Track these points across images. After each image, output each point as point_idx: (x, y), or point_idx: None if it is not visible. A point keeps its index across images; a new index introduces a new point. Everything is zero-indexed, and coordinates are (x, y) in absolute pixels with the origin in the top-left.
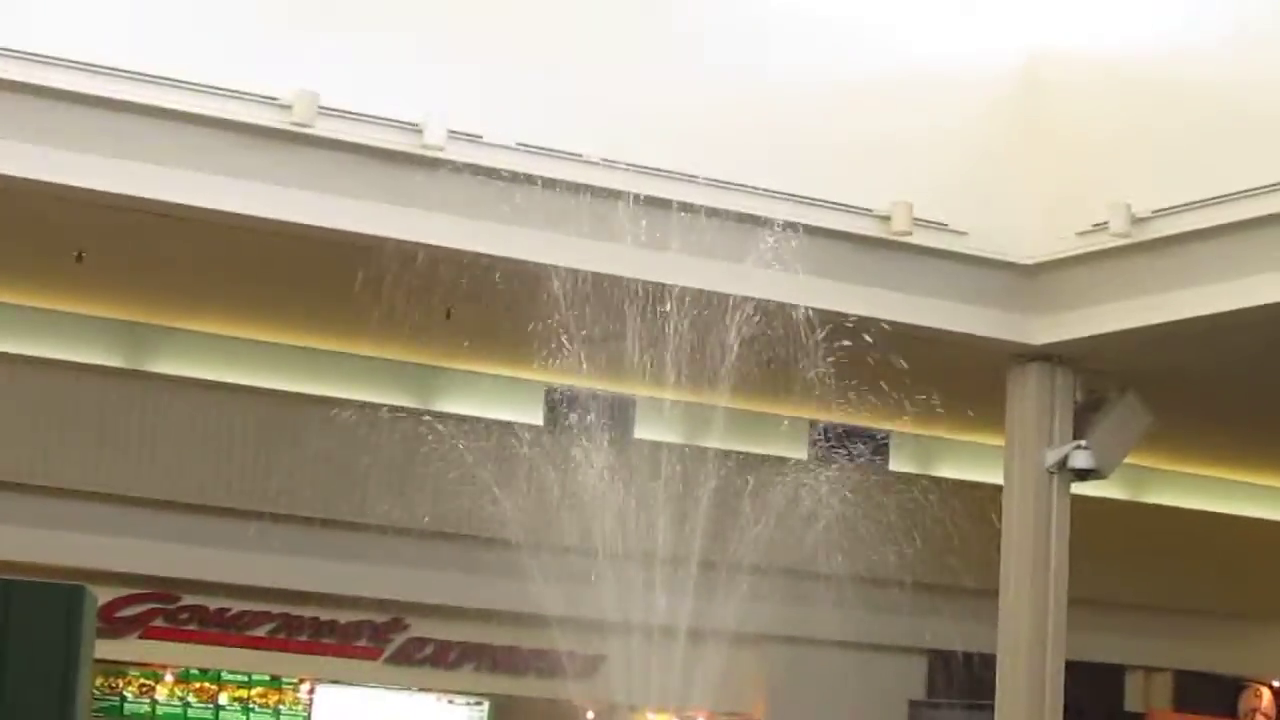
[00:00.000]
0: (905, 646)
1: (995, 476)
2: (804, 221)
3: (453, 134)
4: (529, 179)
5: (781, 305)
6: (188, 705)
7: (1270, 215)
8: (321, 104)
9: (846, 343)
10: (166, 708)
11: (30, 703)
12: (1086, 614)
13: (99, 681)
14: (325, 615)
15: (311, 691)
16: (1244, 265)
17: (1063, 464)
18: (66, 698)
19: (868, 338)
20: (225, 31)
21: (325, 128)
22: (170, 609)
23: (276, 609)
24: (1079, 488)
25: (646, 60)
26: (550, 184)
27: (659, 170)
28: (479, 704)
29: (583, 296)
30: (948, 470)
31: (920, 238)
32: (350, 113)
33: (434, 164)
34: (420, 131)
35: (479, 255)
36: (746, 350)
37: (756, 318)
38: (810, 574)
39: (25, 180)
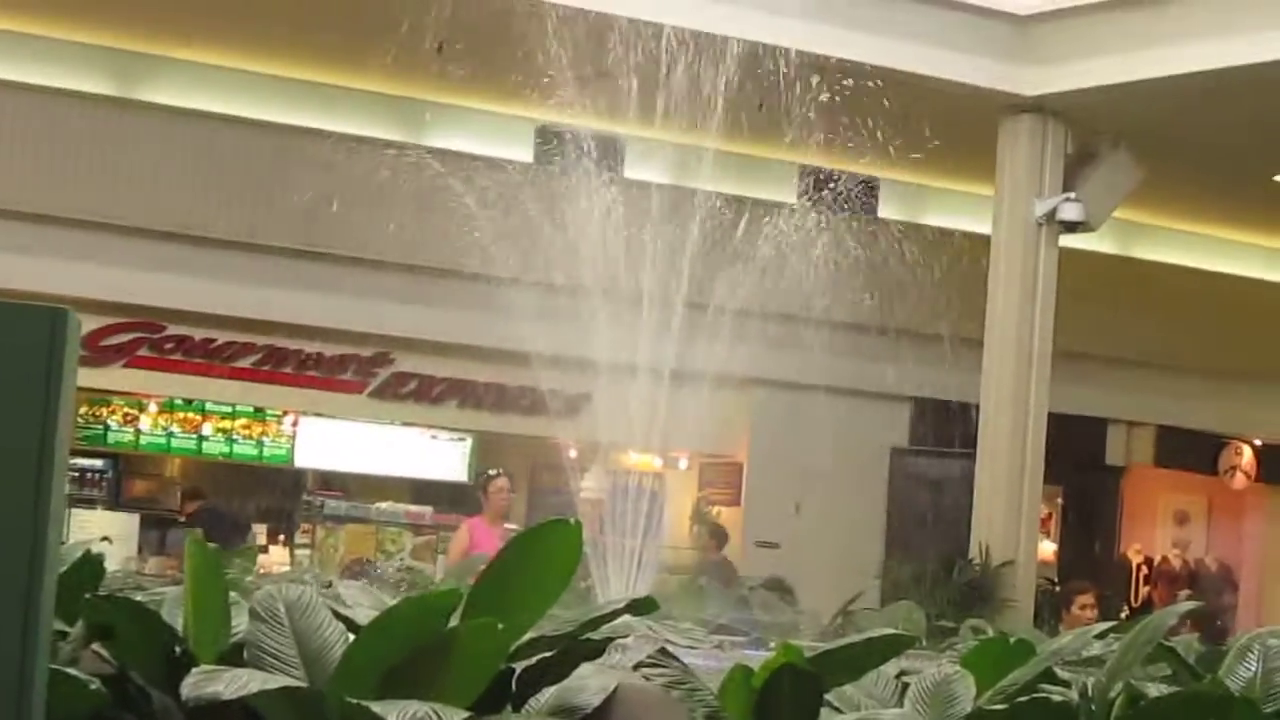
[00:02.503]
0: (889, 394)
1: (984, 226)
2: None
3: None
4: None
5: (773, 48)
6: (171, 435)
7: None
8: None
9: (838, 88)
10: (150, 437)
11: (10, 426)
12: (1070, 366)
13: (83, 410)
14: (310, 348)
15: (295, 424)
16: (1241, 21)
17: (1052, 215)
18: (48, 422)
19: (859, 83)
20: None
21: None
22: (155, 338)
23: (262, 340)
24: (1067, 240)
25: None
26: None
27: None
28: (462, 439)
29: (575, 34)
30: (936, 219)
31: None
32: None
33: None
34: None
35: None
36: (738, 93)
37: (748, 60)
38: (796, 319)
39: None
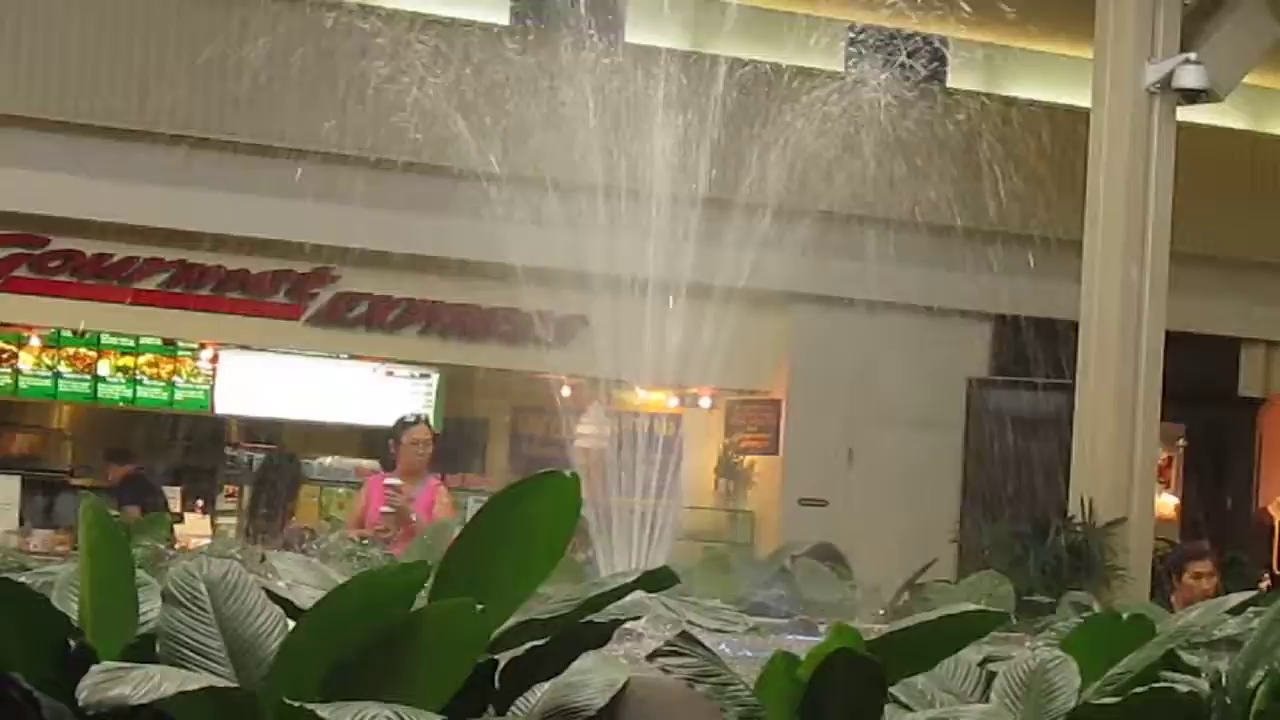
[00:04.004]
0: (965, 310)
1: (1082, 98)
2: None
3: None
4: None
5: None
6: (59, 376)
7: None
8: None
9: None
10: (32, 379)
11: None
12: (1194, 273)
13: None
14: (232, 264)
15: (214, 359)
16: None
17: (1167, 82)
18: None
19: None
20: None
21: None
22: (36, 255)
23: (171, 255)
24: (1186, 113)
25: None
26: None
27: None
28: (425, 376)
29: None
30: (1020, 89)
31: None
32: None
33: None
34: None
35: None
36: None
37: None
38: (846, 217)
39: None
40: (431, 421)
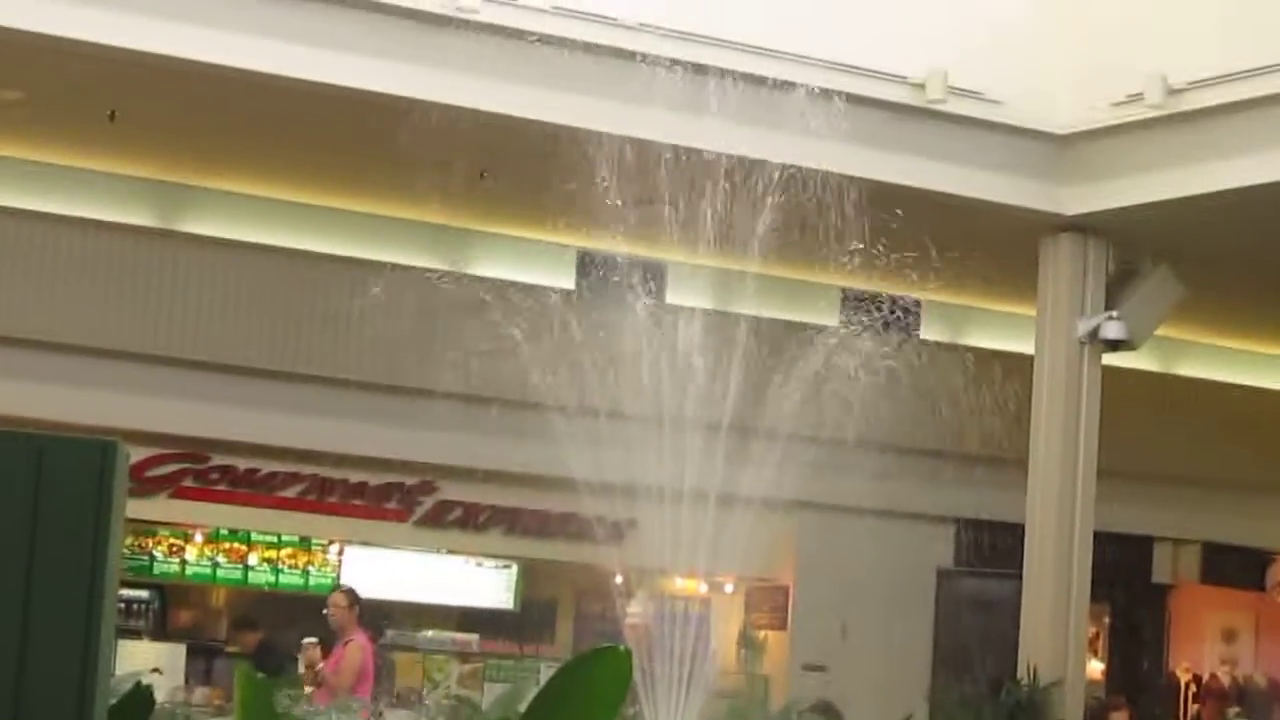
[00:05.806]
0: (934, 515)
1: (1027, 346)
2: (839, 89)
3: None
4: (563, 42)
5: (815, 172)
6: (217, 565)
7: None
8: None
9: (878, 210)
10: (196, 567)
11: (62, 558)
12: (1115, 485)
13: (128, 540)
14: (355, 477)
15: (340, 553)
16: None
17: (1094, 334)
18: (99, 553)
19: (900, 205)
20: None
21: None
22: (200, 469)
23: (306, 470)
24: (1110, 358)
25: None
26: (584, 48)
27: (694, 35)
28: (507, 567)
29: (616, 161)
30: (979, 339)
31: (955, 106)
32: None
33: (467, 26)
34: None
35: (512, 118)
36: (780, 217)
37: (788, 184)
38: (840, 442)
39: (58, 39)
40: (513, 604)
